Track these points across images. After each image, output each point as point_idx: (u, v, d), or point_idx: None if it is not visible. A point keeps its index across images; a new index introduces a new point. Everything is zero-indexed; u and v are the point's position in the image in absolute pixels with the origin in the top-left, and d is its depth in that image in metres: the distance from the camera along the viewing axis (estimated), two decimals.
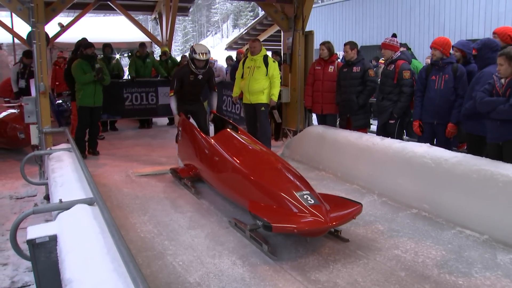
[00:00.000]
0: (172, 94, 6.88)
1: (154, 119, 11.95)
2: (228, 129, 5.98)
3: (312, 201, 4.11)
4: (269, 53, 8.55)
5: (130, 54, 13.21)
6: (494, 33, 5.72)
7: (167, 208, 5.35)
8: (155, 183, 6.43)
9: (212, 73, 7.19)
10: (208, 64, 6.83)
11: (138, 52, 11.09)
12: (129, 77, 11.10)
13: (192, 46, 6.84)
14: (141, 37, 14.85)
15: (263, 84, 7.50)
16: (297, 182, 4.48)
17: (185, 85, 6.88)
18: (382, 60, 8.92)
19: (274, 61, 7.66)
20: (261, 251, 4.08)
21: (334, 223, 3.97)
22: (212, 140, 5.71)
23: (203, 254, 4.07)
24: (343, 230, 4.40)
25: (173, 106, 6.90)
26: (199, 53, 6.57)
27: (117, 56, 15.40)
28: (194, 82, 6.87)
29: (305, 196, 4.17)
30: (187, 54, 15.12)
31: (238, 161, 5.01)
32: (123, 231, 4.33)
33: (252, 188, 4.57)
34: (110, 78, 8.91)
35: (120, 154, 8.32)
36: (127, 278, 2.24)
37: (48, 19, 6.88)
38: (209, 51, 6.80)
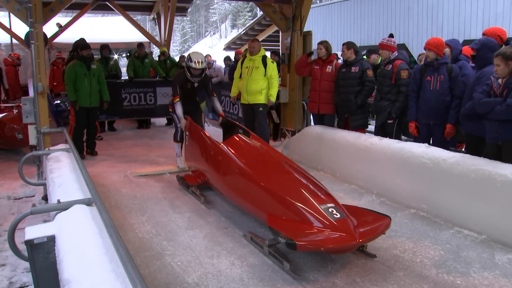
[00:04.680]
0: (177, 100, 6.66)
1: (152, 120, 11.94)
2: (240, 134, 5.74)
3: (338, 215, 3.77)
4: (268, 53, 8.55)
5: (128, 54, 13.19)
6: (483, 34, 5.74)
7: (165, 209, 5.35)
8: (154, 183, 6.42)
9: (208, 80, 7.08)
10: (204, 72, 6.79)
11: (137, 53, 11.09)
12: (128, 78, 11.09)
13: (189, 54, 6.74)
14: (139, 37, 14.85)
15: (261, 85, 7.50)
16: (320, 194, 4.10)
17: (182, 91, 6.80)
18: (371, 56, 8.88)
19: (272, 62, 7.65)
20: (282, 269, 3.79)
21: (363, 239, 3.64)
22: (224, 146, 5.35)
23: (202, 254, 4.07)
24: (369, 245, 4.13)
25: (179, 111, 6.66)
26: (195, 62, 6.50)
27: (116, 56, 15.39)
28: (190, 89, 6.84)
29: (330, 210, 3.82)
30: (185, 54, 15.13)
31: (253, 170, 4.66)
32: (122, 231, 4.34)
33: (270, 199, 4.20)
34: (108, 78, 8.94)
35: (119, 155, 8.32)
36: (125, 278, 2.24)
37: (46, 19, 6.89)
38: (205, 60, 6.74)
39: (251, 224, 4.78)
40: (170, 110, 7.21)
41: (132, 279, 2.15)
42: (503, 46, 5.33)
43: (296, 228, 3.75)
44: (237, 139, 5.47)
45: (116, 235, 2.65)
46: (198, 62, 6.52)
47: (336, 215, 3.77)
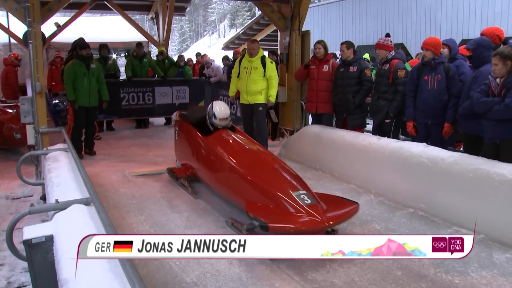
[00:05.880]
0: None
1: (150, 119, 11.93)
2: (225, 129, 5.86)
3: (309, 201, 4.14)
4: (266, 53, 8.54)
5: (127, 54, 13.19)
6: (482, 34, 5.75)
7: (164, 208, 5.34)
8: (152, 183, 6.42)
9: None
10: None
11: (135, 52, 11.07)
12: (126, 77, 11.09)
13: (212, 104, 5.90)
14: (137, 37, 14.85)
15: (261, 85, 7.48)
16: (294, 182, 4.49)
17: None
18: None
19: (271, 62, 7.63)
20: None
21: (331, 223, 3.98)
22: (209, 139, 5.67)
23: None
24: (339, 230, 4.38)
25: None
26: (219, 119, 5.76)
27: (114, 56, 15.39)
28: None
29: (301, 196, 4.19)
30: (184, 53, 15.13)
31: (234, 161, 5.01)
32: (120, 231, 4.33)
33: (248, 188, 4.58)
34: (107, 78, 8.93)
35: (117, 154, 8.30)
36: (123, 278, 2.24)
37: (44, 19, 6.87)
38: (229, 115, 5.89)
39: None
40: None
41: (130, 279, 2.16)
42: (501, 45, 5.33)
43: (270, 213, 4.14)
44: (222, 133, 5.67)
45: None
46: (223, 119, 5.79)
47: (307, 201, 4.15)
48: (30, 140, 6.79)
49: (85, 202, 3.45)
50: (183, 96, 11.37)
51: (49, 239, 2.92)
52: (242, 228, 4.35)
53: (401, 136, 6.89)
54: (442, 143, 5.76)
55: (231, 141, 5.54)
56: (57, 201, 3.40)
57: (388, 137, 6.22)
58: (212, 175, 5.49)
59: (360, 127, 7.07)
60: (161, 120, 12.07)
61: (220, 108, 5.84)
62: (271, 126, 9.14)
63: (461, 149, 5.98)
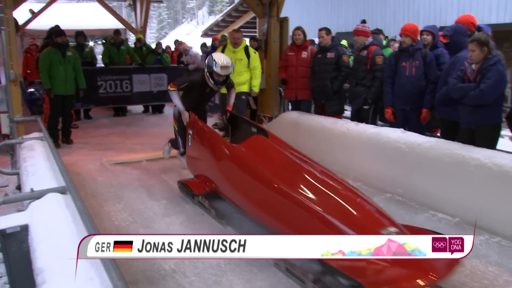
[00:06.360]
0: (174, 88, 5.38)
1: (128, 107, 11.81)
2: (260, 135, 4.79)
3: None
4: (247, 40, 8.48)
5: (104, 41, 13.01)
6: (456, 22, 5.81)
7: (142, 196, 5.33)
8: (130, 170, 6.38)
9: (232, 84, 5.80)
10: (228, 78, 5.45)
11: (112, 39, 10.93)
12: (103, 64, 10.94)
13: (212, 56, 5.32)
14: (115, 24, 14.70)
15: (246, 76, 7.37)
16: (378, 215, 3.30)
17: (195, 94, 5.54)
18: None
19: (255, 52, 7.57)
20: None
21: (444, 276, 2.84)
22: (241, 148, 4.43)
23: None
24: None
25: (177, 101, 5.42)
26: (220, 67, 5.14)
27: (91, 43, 15.17)
28: (208, 94, 5.67)
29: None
30: (162, 41, 14.98)
31: (285, 182, 3.73)
32: (98, 219, 4.33)
33: (318, 224, 3.31)
34: (83, 65, 8.81)
35: (95, 143, 8.22)
36: (99, 266, 2.22)
37: (16, 4, 6.74)
38: (232, 64, 5.34)
39: (235, 214, 4.75)
40: (175, 125, 5.86)
41: (107, 267, 2.14)
42: (475, 32, 5.40)
43: (356, 262, 2.84)
44: (259, 141, 4.55)
45: (90, 223, 2.63)
46: (224, 67, 5.18)
47: None
48: (5, 129, 6.66)
49: (61, 191, 3.40)
50: (162, 84, 11.26)
51: (24, 229, 2.87)
52: (306, 277, 3.30)
53: (379, 122, 6.94)
54: (420, 129, 5.82)
55: (272, 151, 4.38)
56: (32, 190, 3.34)
57: (367, 123, 6.26)
58: (249, 198, 4.20)
59: (338, 113, 7.10)
60: (139, 108, 11.96)
61: (219, 55, 5.30)
62: (249, 113, 9.11)
63: (438, 134, 6.04)
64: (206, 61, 5.30)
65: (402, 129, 5.51)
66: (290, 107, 8.47)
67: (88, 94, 9.23)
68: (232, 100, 5.84)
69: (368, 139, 5.65)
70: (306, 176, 3.82)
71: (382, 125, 6.69)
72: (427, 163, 4.83)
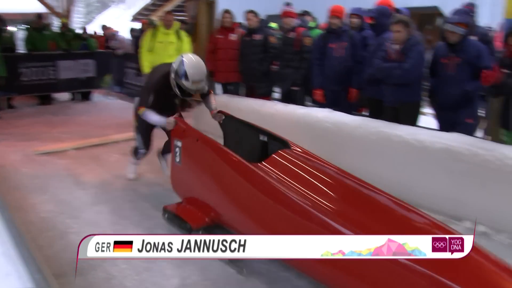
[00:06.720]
0: (143, 109, 4.43)
1: (55, 95, 11.33)
2: (284, 150, 3.80)
3: None
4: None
5: (26, 27, 12.39)
6: (377, 4, 5.97)
7: (69, 186, 5.16)
8: (57, 160, 6.13)
9: (207, 92, 4.88)
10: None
11: (35, 24, 10.41)
12: (25, 51, 10.42)
13: (183, 61, 4.26)
14: (37, 7, 14.02)
15: None
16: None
17: (161, 97, 4.58)
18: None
19: (187, 36, 7.46)
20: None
21: None
22: (263, 169, 3.46)
23: (108, 229, 3.98)
24: None
25: (155, 118, 4.42)
26: (192, 82, 4.23)
27: (13, 28, 14.40)
28: (172, 96, 4.60)
29: None
30: (87, 26, 14.47)
31: (339, 217, 2.82)
32: (21, 212, 4.16)
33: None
34: (3, 52, 8.36)
35: (18, 133, 7.81)
36: (17, 260, 2.13)
37: None
38: (204, 78, 4.42)
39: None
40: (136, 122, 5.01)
41: (25, 261, 2.06)
42: (395, 14, 5.57)
43: None
44: (283, 158, 3.65)
45: (7, 216, 2.51)
46: (197, 81, 4.28)
47: None
48: None
49: None
50: (89, 70, 10.88)
51: None
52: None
53: (308, 103, 7.02)
54: (350, 108, 5.94)
55: (303, 172, 3.48)
56: None
57: (296, 104, 6.32)
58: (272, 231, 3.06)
59: (268, 95, 7.14)
60: (66, 96, 11.51)
61: (192, 67, 4.24)
62: None
63: (364, 113, 6.21)
64: (175, 65, 4.31)
65: (329, 109, 5.62)
66: (221, 90, 8.42)
67: (10, 82, 8.81)
68: (213, 104, 4.79)
69: (297, 119, 5.72)
70: (349, 199, 3.18)
71: (311, 106, 6.79)
72: (354, 142, 4.98)
